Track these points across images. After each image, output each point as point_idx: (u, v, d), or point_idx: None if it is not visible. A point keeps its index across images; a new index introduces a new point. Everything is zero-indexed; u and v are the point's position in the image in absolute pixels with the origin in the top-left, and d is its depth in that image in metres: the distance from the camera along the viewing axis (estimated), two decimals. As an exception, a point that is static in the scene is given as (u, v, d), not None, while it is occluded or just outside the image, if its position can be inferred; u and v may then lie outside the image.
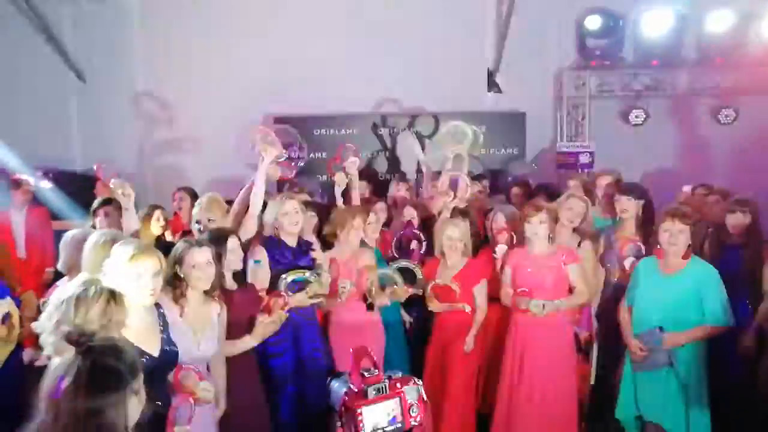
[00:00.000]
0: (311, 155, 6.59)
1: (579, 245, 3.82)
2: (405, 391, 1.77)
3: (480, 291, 3.77)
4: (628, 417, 3.44)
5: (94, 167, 3.61)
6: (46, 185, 5.96)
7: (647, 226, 3.84)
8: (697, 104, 6.73)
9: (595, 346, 3.98)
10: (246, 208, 3.64)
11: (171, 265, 2.76)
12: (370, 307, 3.67)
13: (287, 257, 3.47)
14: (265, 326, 2.98)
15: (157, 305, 2.59)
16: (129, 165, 6.68)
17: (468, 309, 3.73)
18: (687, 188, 5.14)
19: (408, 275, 3.68)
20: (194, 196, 4.96)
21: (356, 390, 1.74)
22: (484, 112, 6.57)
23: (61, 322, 1.94)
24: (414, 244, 4.09)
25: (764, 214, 4.17)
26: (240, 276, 3.22)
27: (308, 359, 3.43)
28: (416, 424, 1.77)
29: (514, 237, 3.87)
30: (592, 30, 6.36)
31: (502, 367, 3.68)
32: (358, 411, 1.71)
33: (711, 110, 6.73)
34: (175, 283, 2.77)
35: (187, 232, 4.16)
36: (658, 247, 3.37)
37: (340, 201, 4.22)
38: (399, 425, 1.74)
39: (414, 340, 4.11)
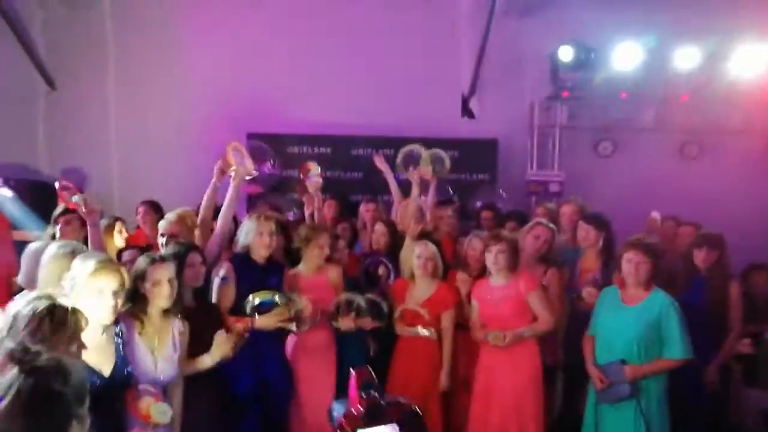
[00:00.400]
0: (284, 173, 6.60)
1: (545, 273, 3.85)
2: (404, 416, 1.70)
3: (447, 317, 3.75)
4: None
5: (56, 185, 3.51)
6: (6, 193, 5.78)
7: (607, 255, 3.90)
8: (663, 138, 6.89)
9: (560, 373, 3.99)
10: (210, 213, 3.62)
11: (132, 281, 2.69)
12: (337, 330, 3.63)
13: (256, 276, 3.42)
14: (224, 345, 2.86)
15: (116, 322, 2.52)
16: (98, 175, 6.56)
17: (434, 337, 3.71)
18: (655, 214, 5.10)
19: (375, 307, 3.65)
20: (158, 210, 4.90)
21: (354, 413, 1.68)
22: (456, 138, 6.62)
23: (7, 339, 1.86)
24: (382, 270, 4.07)
25: (728, 247, 4.27)
26: (201, 294, 3.16)
27: (272, 382, 3.37)
28: None
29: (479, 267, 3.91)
30: (565, 61, 6.48)
31: (471, 399, 3.67)
32: None
33: (676, 144, 6.91)
34: (135, 300, 2.70)
35: (150, 246, 4.08)
36: (619, 275, 3.40)
37: (309, 221, 4.22)
38: None
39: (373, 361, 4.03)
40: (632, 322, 3.28)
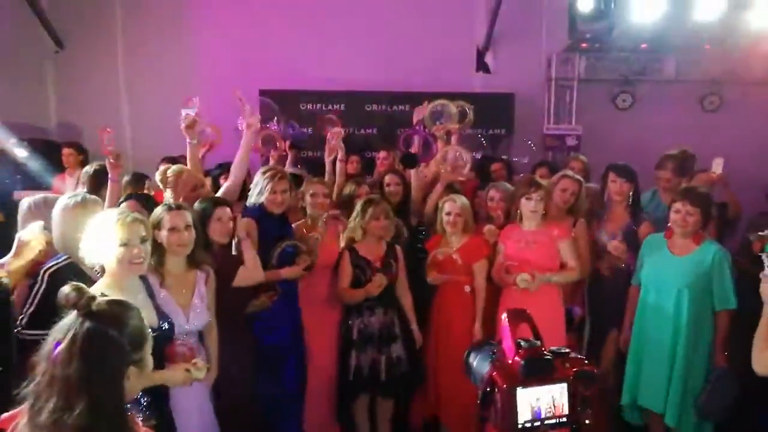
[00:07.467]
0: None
1: (575, 224, 3.79)
2: (576, 375, 1.31)
3: (480, 269, 3.69)
4: (628, 403, 3.49)
5: (100, 133, 3.43)
6: (22, 153, 5.76)
7: (635, 208, 3.85)
8: (684, 90, 6.75)
9: (587, 325, 3.97)
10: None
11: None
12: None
13: (274, 227, 3.39)
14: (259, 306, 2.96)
15: (143, 277, 2.44)
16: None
17: (468, 289, 3.68)
18: (719, 160, 4.48)
19: None
20: (181, 167, 4.84)
21: (509, 365, 1.30)
22: (472, 93, 6.49)
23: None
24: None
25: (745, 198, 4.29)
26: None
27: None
28: (586, 423, 1.33)
29: (503, 216, 3.86)
30: (584, 12, 6.29)
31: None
32: (512, 393, 1.25)
33: (696, 97, 6.77)
34: (153, 251, 2.64)
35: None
36: (668, 226, 3.34)
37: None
38: (562, 420, 1.27)
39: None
40: (682, 272, 3.24)
